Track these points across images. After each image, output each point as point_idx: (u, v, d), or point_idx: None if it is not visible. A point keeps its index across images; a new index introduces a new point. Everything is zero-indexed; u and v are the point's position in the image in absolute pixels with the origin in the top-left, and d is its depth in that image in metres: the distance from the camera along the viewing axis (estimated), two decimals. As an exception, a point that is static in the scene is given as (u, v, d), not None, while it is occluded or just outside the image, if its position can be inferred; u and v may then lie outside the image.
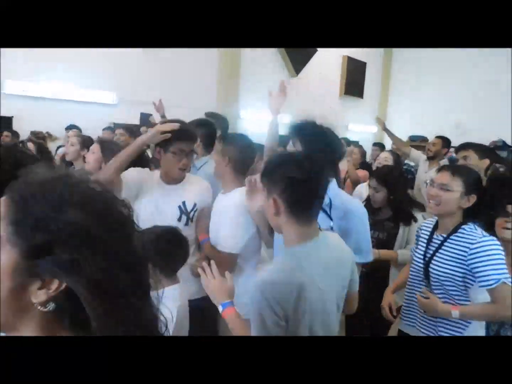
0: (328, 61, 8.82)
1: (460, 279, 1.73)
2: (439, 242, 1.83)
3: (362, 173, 4.29)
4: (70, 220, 0.55)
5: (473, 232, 1.74)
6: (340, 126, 9.48)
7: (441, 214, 1.84)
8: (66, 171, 0.64)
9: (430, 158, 4.33)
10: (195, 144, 1.97)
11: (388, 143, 6.70)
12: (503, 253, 1.66)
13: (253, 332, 1.19)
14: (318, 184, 1.25)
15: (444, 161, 4.29)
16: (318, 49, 8.30)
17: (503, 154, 8.77)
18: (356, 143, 6.44)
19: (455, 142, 9.28)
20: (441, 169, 1.91)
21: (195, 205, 2.07)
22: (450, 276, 1.75)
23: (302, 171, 1.22)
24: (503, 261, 1.63)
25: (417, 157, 4.48)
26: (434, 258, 1.82)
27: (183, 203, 2.04)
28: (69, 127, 4.68)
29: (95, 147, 2.58)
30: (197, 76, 6.40)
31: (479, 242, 1.68)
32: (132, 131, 3.90)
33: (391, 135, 4.44)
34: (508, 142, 8.96)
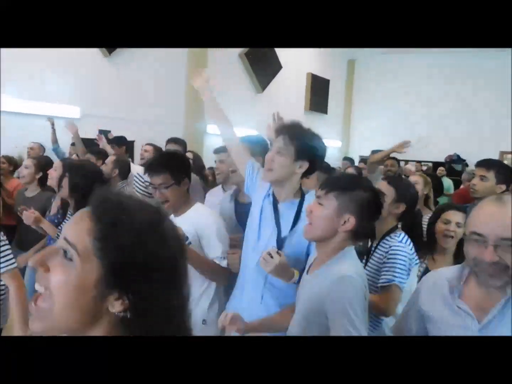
0: (293, 78, 9.03)
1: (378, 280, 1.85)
2: (372, 248, 1.92)
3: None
4: (149, 250, 0.63)
5: (395, 238, 1.83)
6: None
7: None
8: (157, 205, 0.71)
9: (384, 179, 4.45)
10: (165, 176, 1.83)
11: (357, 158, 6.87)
12: (407, 261, 1.76)
13: (341, 332, 1.18)
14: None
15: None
16: (283, 66, 8.48)
17: (458, 167, 9.25)
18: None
19: (416, 156, 9.72)
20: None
21: (187, 238, 1.89)
22: (374, 277, 1.83)
23: (380, 199, 1.34)
24: (404, 268, 1.75)
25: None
26: (368, 261, 1.90)
27: None
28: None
29: (57, 164, 2.61)
30: (164, 91, 6.40)
31: (392, 248, 1.80)
32: (100, 154, 3.79)
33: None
34: (462, 156, 9.45)
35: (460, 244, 1.86)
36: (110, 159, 3.45)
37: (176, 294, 0.67)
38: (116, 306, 0.63)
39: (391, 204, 1.87)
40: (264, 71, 8.13)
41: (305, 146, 1.57)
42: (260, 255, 1.50)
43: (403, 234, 1.87)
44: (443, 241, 2.05)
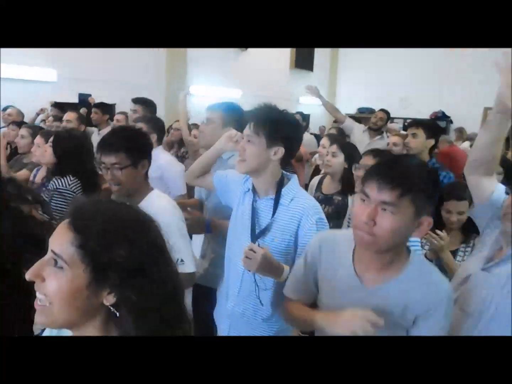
0: (277, 34, 8.76)
1: None
2: None
3: (303, 150, 4.25)
4: (121, 254, 0.71)
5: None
6: (292, 99, 9.54)
7: None
8: (127, 210, 0.79)
9: (373, 130, 4.48)
10: (119, 155, 1.59)
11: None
12: None
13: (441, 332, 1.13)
14: None
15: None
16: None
17: (442, 124, 9.29)
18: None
19: (401, 114, 9.69)
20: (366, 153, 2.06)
21: None
22: None
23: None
24: None
25: (350, 126, 4.50)
26: None
27: None
28: (6, 108, 4.39)
29: (39, 140, 2.60)
30: (145, 52, 6.15)
31: None
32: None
33: (325, 102, 4.42)
34: (447, 113, 9.47)
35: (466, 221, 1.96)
36: (73, 115, 3.52)
37: (163, 286, 0.74)
38: (109, 300, 0.73)
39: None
40: (247, 27, 7.86)
41: (276, 130, 1.45)
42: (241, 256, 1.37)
43: None
44: (447, 226, 2.09)
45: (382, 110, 4.67)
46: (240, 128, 1.93)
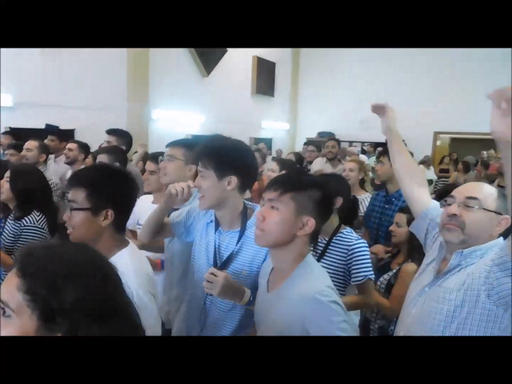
0: (238, 61, 8.94)
1: (341, 277, 1.91)
2: (323, 244, 1.95)
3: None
4: (69, 299, 0.70)
5: (350, 235, 1.92)
6: (254, 124, 9.69)
7: None
8: (81, 252, 0.78)
9: (330, 159, 4.57)
10: (77, 192, 1.34)
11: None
12: (369, 253, 1.91)
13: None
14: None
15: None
16: (228, 49, 8.37)
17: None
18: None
19: (360, 138, 10.02)
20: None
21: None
22: (335, 273, 1.90)
23: (332, 196, 1.31)
24: (369, 261, 1.88)
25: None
26: (322, 259, 1.95)
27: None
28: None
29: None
30: (105, 76, 6.09)
31: (355, 245, 1.87)
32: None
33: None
34: (402, 136, 9.91)
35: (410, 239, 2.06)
36: (34, 144, 3.38)
37: (119, 327, 0.74)
38: (63, 332, 0.72)
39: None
40: (209, 54, 7.97)
41: (223, 160, 1.43)
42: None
43: (351, 229, 1.97)
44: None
45: (331, 138, 4.79)
46: None
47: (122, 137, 3.27)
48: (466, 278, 1.28)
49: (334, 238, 1.93)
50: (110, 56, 6.03)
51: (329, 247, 1.94)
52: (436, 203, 1.54)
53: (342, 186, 2.06)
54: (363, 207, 3.02)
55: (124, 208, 1.32)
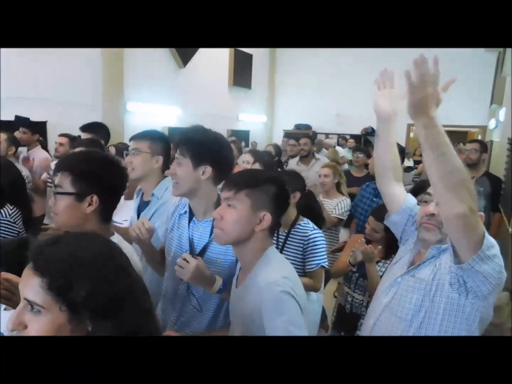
0: (215, 53, 8.87)
1: (301, 265, 2.07)
2: (283, 236, 2.10)
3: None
4: (82, 293, 0.72)
5: (307, 226, 2.08)
6: (231, 116, 9.65)
7: None
8: (89, 243, 0.80)
9: (304, 157, 4.56)
10: (63, 177, 1.34)
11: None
12: (324, 242, 2.07)
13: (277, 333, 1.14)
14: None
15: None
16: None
17: (372, 139, 9.88)
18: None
19: (336, 129, 10.10)
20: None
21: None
22: (295, 263, 2.04)
23: (288, 190, 1.32)
24: (324, 249, 2.05)
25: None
26: (284, 250, 2.09)
27: None
28: None
29: None
30: (79, 68, 5.94)
31: (310, 235, 2.04)
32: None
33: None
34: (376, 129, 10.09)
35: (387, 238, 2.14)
36: (3, 136, 3.30)
37: (138, 312, 0.78)
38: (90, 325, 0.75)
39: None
40: (185, 45, 7.86)
41: (200, 150, 1.47)
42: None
43: (308, 220, 2.12)
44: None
45: (304, 136, 4.78)
46: (168, 157, 2.00)
47: (98, 131, 3.21)
48: (436, 269, 1.34)
49: (293, 230, 2.09)
50: (83, 50, 5.86)
51: (288, 239, 2.09)
52: (413, 199, 1.56)
53: (298, 181, 2.23)
54: (339, 209, 3.09)
55: (110, 196, 1.29)
